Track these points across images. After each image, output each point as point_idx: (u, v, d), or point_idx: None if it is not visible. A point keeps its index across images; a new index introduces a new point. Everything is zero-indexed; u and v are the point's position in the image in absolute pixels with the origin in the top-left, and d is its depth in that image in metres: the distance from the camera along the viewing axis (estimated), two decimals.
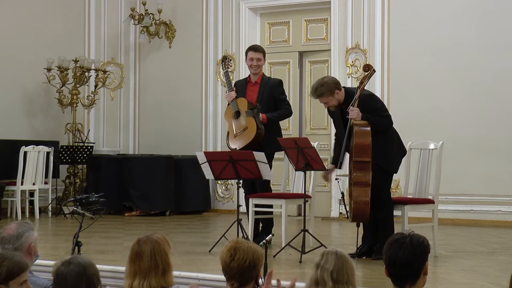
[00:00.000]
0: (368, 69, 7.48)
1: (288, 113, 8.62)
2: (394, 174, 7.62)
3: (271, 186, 11.77)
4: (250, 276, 3.99)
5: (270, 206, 8.52)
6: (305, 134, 11.96)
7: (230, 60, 8.99)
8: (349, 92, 7.50)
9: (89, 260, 3.80)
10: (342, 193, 7.60)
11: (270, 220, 8.49)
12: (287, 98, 8.86)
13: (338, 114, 7.52)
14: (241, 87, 8.63)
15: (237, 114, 8.39)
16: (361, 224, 7.43)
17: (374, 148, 7.19)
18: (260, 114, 8.32)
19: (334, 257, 3.77)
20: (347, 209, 7.52)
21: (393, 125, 7.48)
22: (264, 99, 8.42)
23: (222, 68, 8.90)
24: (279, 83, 8.66)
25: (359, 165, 7.18)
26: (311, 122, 12.05)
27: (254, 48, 8.75)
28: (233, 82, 9.11)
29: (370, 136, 7.17)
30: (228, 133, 8.54)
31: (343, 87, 7.53)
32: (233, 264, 3.95)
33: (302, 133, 12.14)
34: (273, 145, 8.18)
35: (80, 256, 3.93)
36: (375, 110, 7.38)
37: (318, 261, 3.80)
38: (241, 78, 9.90)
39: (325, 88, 7.37)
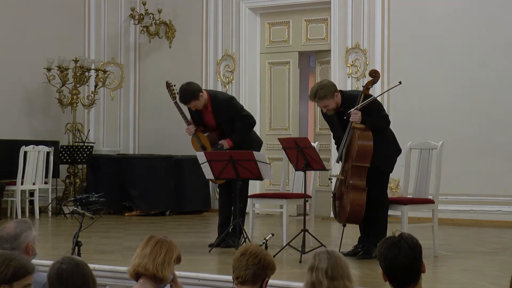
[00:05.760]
0: (375, 75, 7.41)
1: (247, 127, 8.25)
2: (391, 173, 7.63)
3: (271, 185, 11.89)
4: (257, 274, 4.01)
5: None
6: (315, 135, 11.99)
7: (174, 86, 8.34)
8: (346, 95, 7.49)
9: (81, 259, 3.81)
10: (334, 194, 7.58)
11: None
12: (244, 108, 8.46)
13: (334, 117, 7.48)
14: (196, 113, 8.24)
15: (204, 149, 8.12)
16: (350, 225, 7.45)
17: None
18: (226, 142, 8.08)
19: (326, 256, 3.73)
20: (336, 210, 7.51)
21: (391, 125, 7.50)
22: (223, 122, 8.17)
23: (171, 97, 8.41)
24: (229, 99, 8.37)
25: (358, 169, 7.18)
26: (319, 122, 12.01)
27: (183, 102, 8.18)
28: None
29: (372, 140, 7.18)
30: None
31: (339, 90, 7.52)
32: (243, 257, 4.01)
33: (310, 134, 12.15)
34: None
35: (72, 256, 3.93)
36: (376, 109, 7.37)
37: (312, 263, 3.75)
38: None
39: (325, 91, 7.33)
